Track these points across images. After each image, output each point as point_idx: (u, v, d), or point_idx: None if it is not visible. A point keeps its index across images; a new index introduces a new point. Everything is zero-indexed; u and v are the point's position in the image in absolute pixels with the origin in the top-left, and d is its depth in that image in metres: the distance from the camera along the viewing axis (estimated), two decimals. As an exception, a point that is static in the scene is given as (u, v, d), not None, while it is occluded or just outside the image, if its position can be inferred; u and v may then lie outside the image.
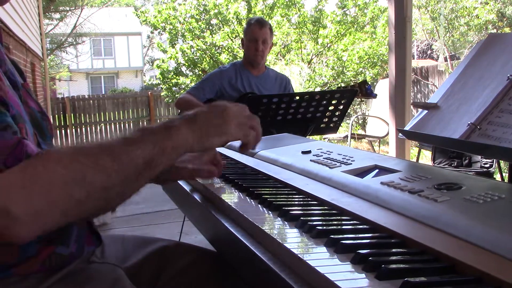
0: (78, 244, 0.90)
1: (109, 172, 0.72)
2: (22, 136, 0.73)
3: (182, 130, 0.81)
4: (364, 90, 2.83)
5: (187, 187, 1.21)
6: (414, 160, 4.71)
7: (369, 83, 2.90)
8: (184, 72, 9.81)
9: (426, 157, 6.26)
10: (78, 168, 0.71)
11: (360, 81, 2.97)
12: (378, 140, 6.88)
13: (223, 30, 9.17)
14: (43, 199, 0.67)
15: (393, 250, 0.69)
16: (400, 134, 1.26)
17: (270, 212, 0.89)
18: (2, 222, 0.64)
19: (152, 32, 12.20)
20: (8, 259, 0.79)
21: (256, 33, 3.06)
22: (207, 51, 9.20)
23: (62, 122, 11.15)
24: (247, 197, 1.01)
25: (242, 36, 3.22)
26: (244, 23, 8.83)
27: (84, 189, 0.70)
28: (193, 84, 3.77)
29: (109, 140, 0.77)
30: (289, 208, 0.87)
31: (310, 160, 1.21)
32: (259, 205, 0.94)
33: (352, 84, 2.87)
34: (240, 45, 3.92)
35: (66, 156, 0.72)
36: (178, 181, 1.23)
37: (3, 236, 0.65)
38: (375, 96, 2.96)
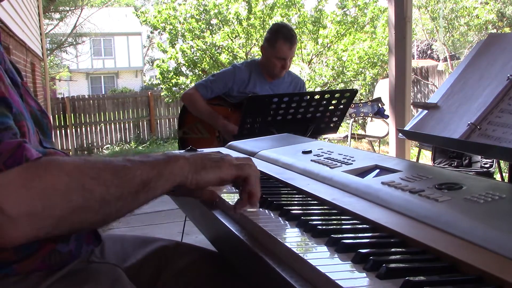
0: (77, 242, 0.91)
1: (108, 185, 0.74)
2: (23, 139, 0.73)
3: (180, 160, 0.85)
4: (376, 109, 2.81)
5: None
6: (414, 160, 4.71)
7: (384, 103, 2.85)
8: (184, 72, 9.81)
9: (426, 157, 6.26)
10: (80, 176, 0.73)
11: (374, 98, 2.95)
12: (378, 140, 6.89)
13: (223, 30, 9.17)
14: (41, 201, 0.68)
15: (394, 249, 0.69)
16: (400, 134, 1.26)
17: (270, 211, 0.90)
18: None
19: (152, 32, 12.20)
20: (9, 256, 0.80)
21: (286, 53, 2.82)
22: (207, 51, 9.20)
23: (62, 122, 11.14)
24: (247, 197, 1.01)
25: (264, 43, 2.93)
26: (244, 23, 8.83)
27: (82, 197, 0.71)
28: (193, 84, 3.70)
29: (112, 158, 0.80)
30: (290, 208, 0.87)
31: (311, 160, 1.21)
32: (260, 205, 0.94)
33: (364, 101, 2.85)
34: (249, 48, 3.73)
35: (69, 164, 0.74)
36: None
37: None
38: (386, 117, 2.92)
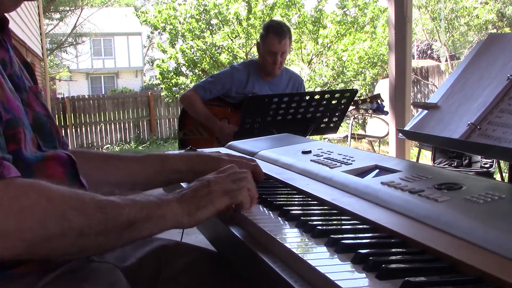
0: None
1: (90, 218, 0.72)
2: (3, 156, 0.71)
3: (172, 205, 0.83)
4: (376, 105, 2.80)
5: (186, 186, 1.20)
6: (414, 160, 4.71)
7: (383, 99, 2.83)
8: (184, 72, 9.81)
9: (426, 157, 6.26)
10: (61, 204, 0.70)
11: (372, 95, 2.94)
12: (378, 140, 6.88)
13: (223, 30, 9.17)
14: (15, 222, 0.66)
15: (394, 250, 0.69)
16: (400, 134, 1.26)
17: (270, 212, 0.90)
18: None
19: (152, 32, 12.21)
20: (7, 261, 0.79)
21: (275, 47, 2.82)
22: (207, 51, 9.20)
23: (62, 122, 11.14)
24: (247, 197, 1.01)
25: (258, 39, 2.97)
26: (244, 23, 8.84)
27: (60, 226, 0.69)
28: (193, 84, 3.70)
29: (102, 195, 0.78)
30: (289, 208, 0.87)
31: (311, 160, 1.21)
32: (260, 205, 0.94)
33: (363, 98, 2.85)
34: (249, 48, 3.72)
35: (53, 190, 0.71)
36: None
37: None
38: (386, 113, 2.91)
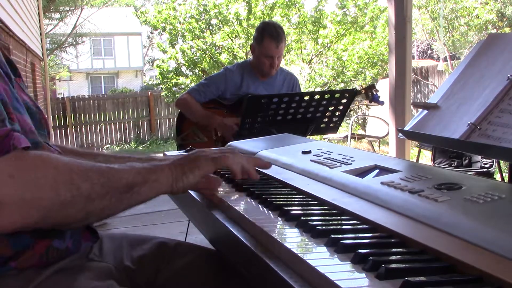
0: (73, 239, 0.91)
1: (94, 183, 0.78)
2: (12, 127, 0.74)
3: (165, 170, 0.90)
4: (370, 96, 2.78)
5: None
6: (414, 160, 4.71)
7: (378, 89, 2.81)
8: (184, 72, 9.81)
9: (426, 157, 6.26)
10: (67, 171, 0.76)
11: (367, 85, 2.91)
12: (378, 140, 6.88)
13: (223, 30, 9.17)
14: (31, 191, 0.71)
15: (393, 250, 0.69)
16: (400, 134, 1.26)
17: (270, 212, 0.90)
18: None
19: (152, 32, 12.20)
20: (5, 250, 0.80)
21: (272, 51, 2.81)
22: (207, 51, 9.20)
23: (62, 122, 11.14)
24: (247, 197, 1.01)
25: (252, 41, 2.94)
26: (244, 24, 8.84)
27: (70, 192, 0.75)
28: (193, 84, 3.71)
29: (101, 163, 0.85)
30: (289, 208, 0.87)
31: (311, 160, 1.21)
32: (260, 205, 0.94)
33: (358, 89, 2.83)
34: (249, 49, 3.66)
35: (57, 159, 0.77)
36: None
37: None
38: (382, 103, 2.88)
